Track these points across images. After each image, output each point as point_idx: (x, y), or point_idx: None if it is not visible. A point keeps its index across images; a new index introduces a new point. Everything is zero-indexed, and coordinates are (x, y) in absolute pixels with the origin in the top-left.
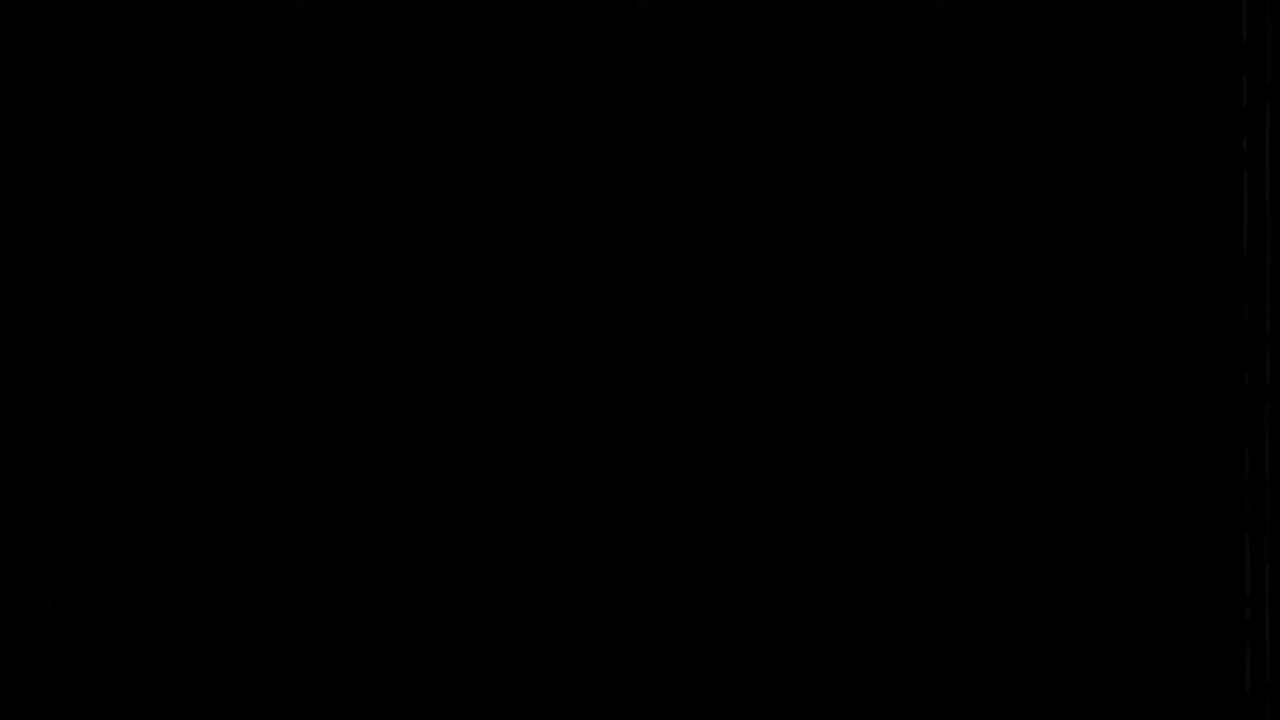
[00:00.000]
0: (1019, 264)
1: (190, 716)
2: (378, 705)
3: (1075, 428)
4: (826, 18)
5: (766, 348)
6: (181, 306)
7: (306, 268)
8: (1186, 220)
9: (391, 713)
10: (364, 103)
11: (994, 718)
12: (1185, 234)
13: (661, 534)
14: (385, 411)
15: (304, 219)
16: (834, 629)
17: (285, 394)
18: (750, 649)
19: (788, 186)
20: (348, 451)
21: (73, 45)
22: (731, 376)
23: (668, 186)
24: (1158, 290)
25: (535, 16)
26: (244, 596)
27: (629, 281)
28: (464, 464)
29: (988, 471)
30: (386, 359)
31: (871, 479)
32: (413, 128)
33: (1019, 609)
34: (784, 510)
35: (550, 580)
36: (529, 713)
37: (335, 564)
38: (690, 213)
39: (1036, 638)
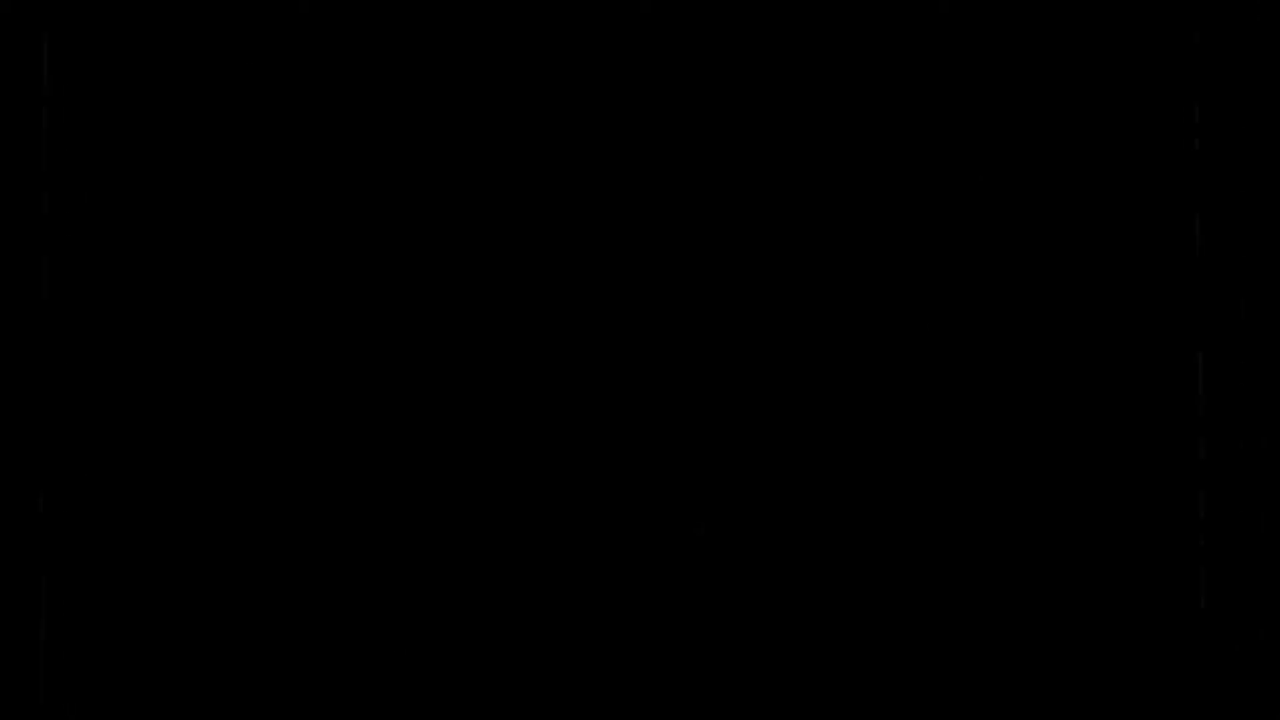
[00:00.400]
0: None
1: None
2: (378, 705)
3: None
4: (826, 18)
5: (763, 348)
6: (179, 306)
7: (306, 268)
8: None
9: (391, 713)
10: (364, 103)
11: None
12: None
13: (661, 534)
14: (386, 412)
15: (303, 219)
16: (832, 629)
17: (285, 394)
18: (751, 649)
19: (787, 187)
20: (347, 452)
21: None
22: (735, 377)
23: (668, 187)
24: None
25: (536, 16)
26: (244, 596)
27: (629, 281)
28: (464, 465)
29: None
30: (386, 359)
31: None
32: (413, 128)
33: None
34: (782, 510)
35: (550, 580)
36: (529, 713)
37: (334, 564)
38: (691, 213)
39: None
